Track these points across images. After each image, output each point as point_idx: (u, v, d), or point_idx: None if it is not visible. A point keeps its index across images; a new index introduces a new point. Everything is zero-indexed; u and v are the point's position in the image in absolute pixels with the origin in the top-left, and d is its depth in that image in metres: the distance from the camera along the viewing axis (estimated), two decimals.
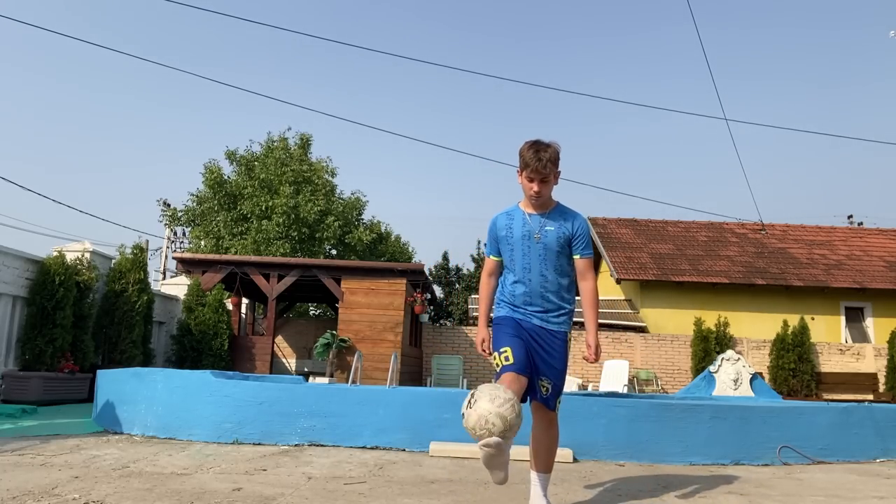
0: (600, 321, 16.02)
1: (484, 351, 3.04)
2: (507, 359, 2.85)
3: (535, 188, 2.90)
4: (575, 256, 2.97)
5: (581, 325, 14.38)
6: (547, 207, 2.99)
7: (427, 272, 14.23)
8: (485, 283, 3.15)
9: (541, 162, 2.87)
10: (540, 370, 2.92)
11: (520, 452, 4.56)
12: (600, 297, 18.78)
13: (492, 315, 3.12)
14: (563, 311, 2.99)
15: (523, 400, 2.83)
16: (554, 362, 2.94)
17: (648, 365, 14.50)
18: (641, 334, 15.12)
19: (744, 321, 16.19)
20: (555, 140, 2.95)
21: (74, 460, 3.89)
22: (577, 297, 3.10)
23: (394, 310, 11.64)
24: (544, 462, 2.98)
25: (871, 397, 13.78)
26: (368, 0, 58.98)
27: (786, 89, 60.18)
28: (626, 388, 11.91)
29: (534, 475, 2.98)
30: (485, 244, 3.42)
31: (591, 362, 3.00)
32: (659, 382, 14.31)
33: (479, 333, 3.05)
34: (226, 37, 65.56)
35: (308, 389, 5.17)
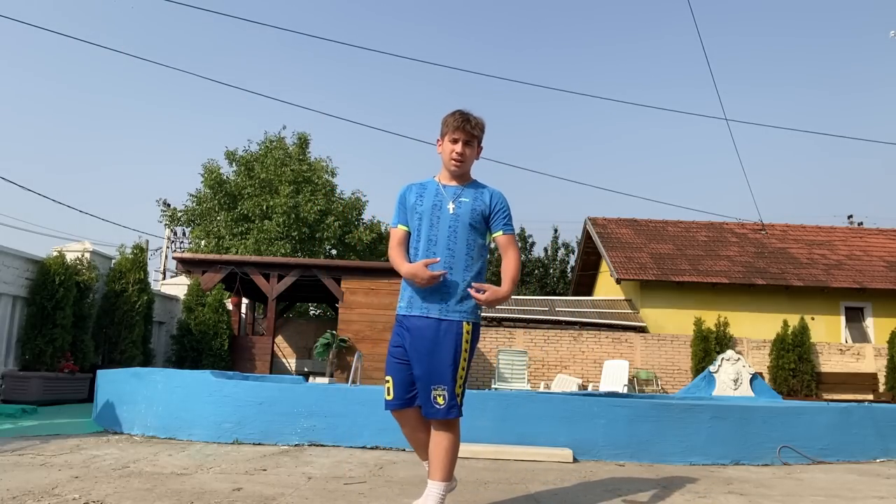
0: (600, 321, 16.12)
1: (427, 277, 2.62)
2: (389, 391, 2.71)
3: (458, 149, 2.69)
4: (496, 234, 2.73)
5: (583, 324, 14.26)
6: (464, 180, 2.79)
7: None
8: (395, 252, 2.77)
9: (469, 122, 2.69)
10: (432, 377, 2.57)
11: (520, 452, 4.57)
12: (601, 297, 18.95)
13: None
14: (465, 297, 2.64)
15: (407, 405, 2.68)
16: (440, 357, 2.57)
17: (648, 365, 14.50)
18: (641, 334, 15.12)
19: (744, 321, 16.20)
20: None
21: (74, 460, 3.89)
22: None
23: (393, 310, 11.60)
24: (442, 469, 2.64)
25: (871, 397, 13.78)
26: (368, 0, 59.02)
27: (786, 89, 60.24)
28: (626, 388, 11.90)
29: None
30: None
31: (476, 298, 2.58)
32: (659, 382, 14.31)
33: (418, 272, 2.62)
34: (226, 37, 65.60)
35: (308, 389, 5.17)
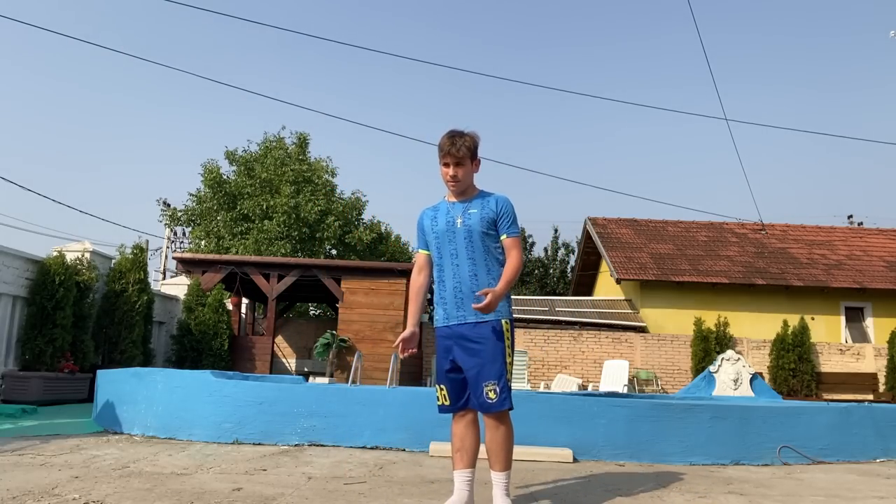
0: (600, 321, 16.12)
1: (398, 349, 2.97)
2: (445, 398, 2.90)
3: (451, 172, 2.92)
4: (501, 236, 2.94)
5: (583, 324, 14.27)
6: (469, 194, 3.00)
7: None
8: (414, 279, 3.08)
9: (454, 146, 2.90)
10: (481, 375, 2.79)
11: (520, 452, 4.57)
12: (602, 297, 18.96)
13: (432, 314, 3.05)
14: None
15: (462, 408, 2.88)
16: (487, 356, 2.80)
17: (648, 365, 14.50)
18: (641, 334, 15.12)
19: (744, 321, 16.19)
20: (474, 130, 2.98)
21: (74, 460, 3.89)
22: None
23: (394, 310, 11.64)
24: (502, 461, 2.84)
25: (871, 397, 13.78)
26: (368, 0, 59.02)
27: (786, 89, 60.23)
28: (626, 388, 11.89)
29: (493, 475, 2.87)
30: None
31: (476, 304, 2.74)
32: (659, 382, 14.31)
33: (404, 332, 2.98)
34: (226, 37, 65.61)
35: (308, 389, 5.17)
